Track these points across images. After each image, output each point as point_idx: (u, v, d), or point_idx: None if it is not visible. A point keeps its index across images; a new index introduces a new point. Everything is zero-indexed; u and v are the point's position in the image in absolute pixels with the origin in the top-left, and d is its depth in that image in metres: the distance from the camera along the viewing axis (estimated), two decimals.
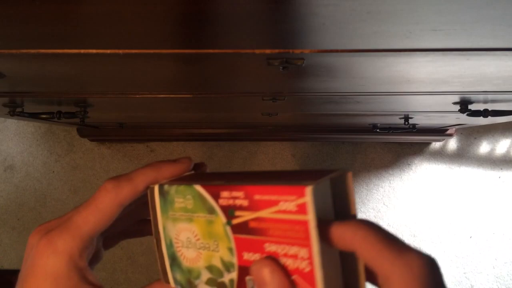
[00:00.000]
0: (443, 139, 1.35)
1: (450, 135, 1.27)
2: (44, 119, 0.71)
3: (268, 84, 0.50)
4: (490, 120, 0.87)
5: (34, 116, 0.66)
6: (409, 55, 0.34)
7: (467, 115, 0.62)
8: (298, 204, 0.20)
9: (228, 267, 0.24)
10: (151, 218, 0.28)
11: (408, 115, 0.82)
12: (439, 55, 0.34)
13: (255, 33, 0.30)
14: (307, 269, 0.20)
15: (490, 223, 1.37)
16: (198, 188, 0.24)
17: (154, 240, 0.28)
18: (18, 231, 1.39)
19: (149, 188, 0.27)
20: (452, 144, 1.39)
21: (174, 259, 0.27)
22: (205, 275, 0.25)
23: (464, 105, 0.61)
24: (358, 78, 0.45)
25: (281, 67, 0.36)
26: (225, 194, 0.23)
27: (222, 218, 0.23)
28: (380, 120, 0.94)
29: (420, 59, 0.36)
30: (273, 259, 0.21)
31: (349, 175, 0.23)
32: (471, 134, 1.39)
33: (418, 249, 0.19)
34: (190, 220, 0.25)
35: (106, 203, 0.26)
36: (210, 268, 0.25)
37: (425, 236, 1.37)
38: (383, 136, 1.26)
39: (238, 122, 1.06)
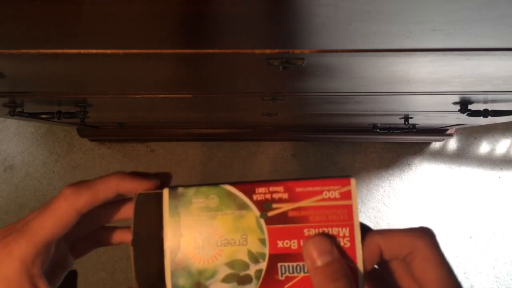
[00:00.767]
0: (443, 139, 1.35)
1: (450, 135, 1.27)
2: (44, 119, 0.71)
3: (268, 84, 0.50)
4: (490, 120, 0.87)
5: (34, 116, 0.66)
6: (409, 55, 0.34)
7: (467, 115, 0.62)
8: (341, 192, 0.25)
9: (257, 258, 0.26)
10: (133, 225, 0.28)
11: (408, 115, 0.82)
12: (439, 55, 0.34)
13: (255, 33, 0.30)
14: (348, 245, 0.25)
15: (490, 223, 1.37)
16: (227, 187, 0.27)
17: (131, 248, 0.28)
18: None
19: (136, 195, 0.28)
20: (452, 144, 1.39)
21: (180, 264, 0.27)
22: (223, 272, 0.26)
23: (464, 105, 0.61)
24: (358, 78, 0.45)
25: (281, 67, 0.36)
26: (261, 190, 0.26)
27: (255, 212, 0.26)
28: (380, 120, 0.94)
29: (420, 59, 0.36)
30: (322, 234, 0.25)
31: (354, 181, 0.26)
32: (471, 134, 1.39)
33: (418, 226, 0.25)
34: (212, 218, 0.26)
35: (63, 210, 0.26)
36: (231, 263, 0.26)
37: None
38: (383, 136, 1.26)
39: (238, 122, 1.06)
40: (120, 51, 0.33)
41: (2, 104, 0.62)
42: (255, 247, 0.26)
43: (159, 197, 0.29)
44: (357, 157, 1.40)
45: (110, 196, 0.28)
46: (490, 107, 0.62)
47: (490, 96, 0.55)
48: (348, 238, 0.25)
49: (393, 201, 1.39)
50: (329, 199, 0.26)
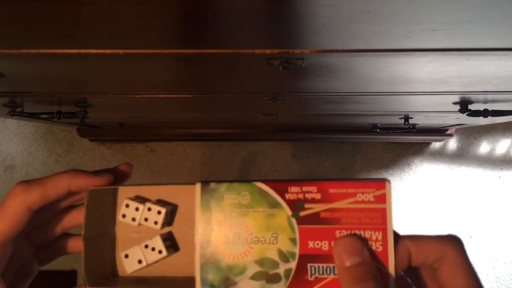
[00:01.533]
0: (443, 139, 1.35)
1: (450, 135, 1.27)
2: (44, 119, 0.71)
3: (268, 84, 0.50)
4: (490, 120, 0.87)
5: (34, 116, 0.66)
6: (409, 55, 0.34)
7: (467, 115, 0.62)
8: (376, 195, 0.26)
9: (287, 257, 0.26)
10: (84, 220, 0.28)
11: (408, 115, 0.82)
12: (439, 55, 0.34)
13: (255, 33, 0.30)
14: (380, 249, 0.25)
15: (490, 223, 1.37)
16: (260, 184, 0.27)
17: (82, 243, 0.28)
18: None
19: (88, 191, 0.29)
20: (452, 144, 1.39)
21: (209, 258, 0.27)
22: (252, 270, 0.26)
23: (464, 105, 0.61)
24: (358, 78, 0.45)
25: (281, 67, 0.36)
26: (294, 189, 0.26)
27: (287, 210, 0.26)
28: (380, 120, 0.94)
29: (420, 59, 0.36)
30: (354, 234, 0.25)
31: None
32: (471, 134, 1.39)
33: (448, 234, 0.25)
34: (244, 215, 0.26)
35: (14, 207, 0.26)
36: (261, 261, 0.26)
37: None
38: (383, 136, 1.26)
39: (238, 122, 1.06)
40: (120, 51, 0.33)
41: (2, 104, 0.62)
42: (286, 246, 0.26)
43: (112, 193, 0.29)
44: (357, 157, 1.40)
45: (62, 193, 0.28)
46: (490, 107, 0.62)
47: (490, 96, 0.55)
48: (380, 242, 0.25)
49: (393, 201, 1.39)
50: (363, 201, 0.26)
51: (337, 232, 0.26)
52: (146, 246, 0.30)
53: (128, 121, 1.01)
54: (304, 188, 0.26)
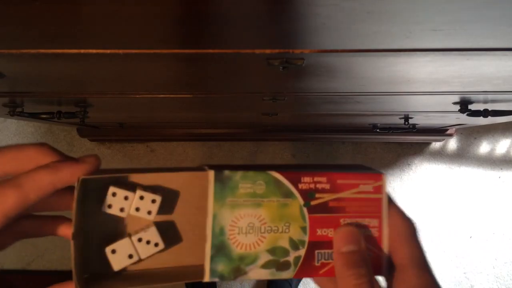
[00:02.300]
0: (443, 139, 1.35)
1: (450, 135, 1.27)
2: (44, 119, 0.71)
3: (268, 84, 0.50)
4: (490, 120, 0.87)
5: (34, 116, 0.66)
6: (409, 55, 0.34)
7: (467, 115, 0.62)
8: (374, 186, 0.28)
9: (297, 245, 0.27)
10: (74, 215, 0.25)
11: (408, 115, 0.82)
12: (439, 55, 0.34)
13: (255, 33, 0.30)
14: (377, 235, 0.27)
15: (490, 223, 1.37)
16: (275, 174, 0.27)
17: (72, 242, 0.25)
18: None
19: (80, 181, 0.25)
20: (452, 144, 1.39)
21: (220, 249, 0.26)
22: (264, 258, 0.27)
23: (464, 105, 0.61)
24: (358, 78, 0.45)
25: (281, 67, 0.36)
26: (306, 179, 0.27)
27: (300, 200, 0.27)
28: (380, 120, 0.94)
29: (420, 59, 0.36)
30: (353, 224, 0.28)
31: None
32: (471, 134, 1.39)
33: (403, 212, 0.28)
34: (258, 205, 0.27)
35: None
36: (272, 250, 0.27)
37: (425, 236, 1.37)
38: (383, 136, 1.26)
39: (238, 122, 1.06)
40: (120, 51, 0.33)
41: (2, 104, 0.62)
42: (297, 234, 0.27)
43: (106, 183, 0.26)
44: (357, 157, 1.40)
45: (45, 194, 0.24)
46: (490, 107, 0.62)
47: (490, 96, 0.55)
48: (377, 229, 0.27)
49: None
50: (364, 192, 0.28)
51: (341, 220, 0.27)
52: (140, 240, 0.27)
53: (128, 121, 1.01)
54: (315, 179, 0.27)
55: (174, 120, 1.03)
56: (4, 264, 1.38)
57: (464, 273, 1.36)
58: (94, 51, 0.33)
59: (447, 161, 1.39)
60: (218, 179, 0.26)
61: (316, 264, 0.27)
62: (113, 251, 0.27)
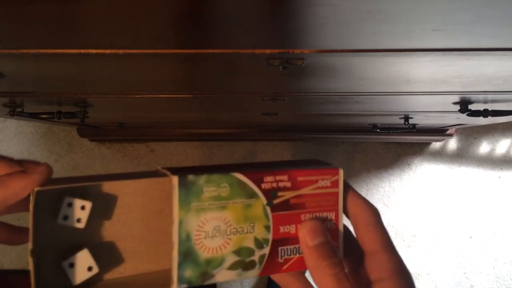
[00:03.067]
0: (443, 139, 1.35)
1: (450, 135, 1.27)
2: (44, 119, 0.71)
3: (268, 84, 0.50)
4: (490, 120, 0.87)
5: (34, 116, 0.66)
6: (409, 55, 0.34)
7: (467, 115, 0.62)
8: (332, 181, 0.29)
9: (261, 244, 0.27)
10: (32, 230, 0.24)
11: (408, 115, 0.82)
12: (439, 55, 0.34)
13: (255, 33, 0.30)
14: (333, 227, 0.29)
15: (490, 223, 1.37)
16: (238, 175, 0.27)
17: (30, 259, 0.24)
18: None
19: (34, 193, 0.24)
20: (452, 144, 1.39)
21: (187, 255, 0.26)
22: (230, 260, 0.27)
23: (464, 105, 0.61)
24: (358, 78, 0.45)
25: (281, 67, 0.36)
26: (269, 178, 0.27)
27: (263, 200, 0.27)
28: (380, 120, 0.94)
29: (420, 59, 0.36)
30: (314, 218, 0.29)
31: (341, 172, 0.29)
32: (471, 134, 1.39)
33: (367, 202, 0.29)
34: (223, 208, 0.27)
35: None
36: (238, 251, 0.27)
37: (425, 236, 1.37)
38: (383, 136, 1.26)
39: (238, 122, 1.06)
40: (120, 51, 0.33)
41: (2, 104, 0.62)
42: (261, 234, 0.27)
43: (61, 193, 0.25)
44: (357, 157, 1.40)
45: None
46: (490, 107, 0.62)
47: (490, 96, 0.55)
48: (333, 221, 0.29)
49: (393, 201, 1.39)
50: (322, 187, 0.28)
51: (302, 216, 0.28)
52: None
53: (128, 121, 1.01)
54: (277, 177, 0.28)
55: (174, 120, 1.03)
56: (4, 264, 1.38)
57: (464, 273, 1.36)
58: (94, 51, 0.33)
59: (447, 161, 1.39)
60: (182, 184, 0.26)
61: (280, 260, 0.28)
62: (71, 265, 0.25)
